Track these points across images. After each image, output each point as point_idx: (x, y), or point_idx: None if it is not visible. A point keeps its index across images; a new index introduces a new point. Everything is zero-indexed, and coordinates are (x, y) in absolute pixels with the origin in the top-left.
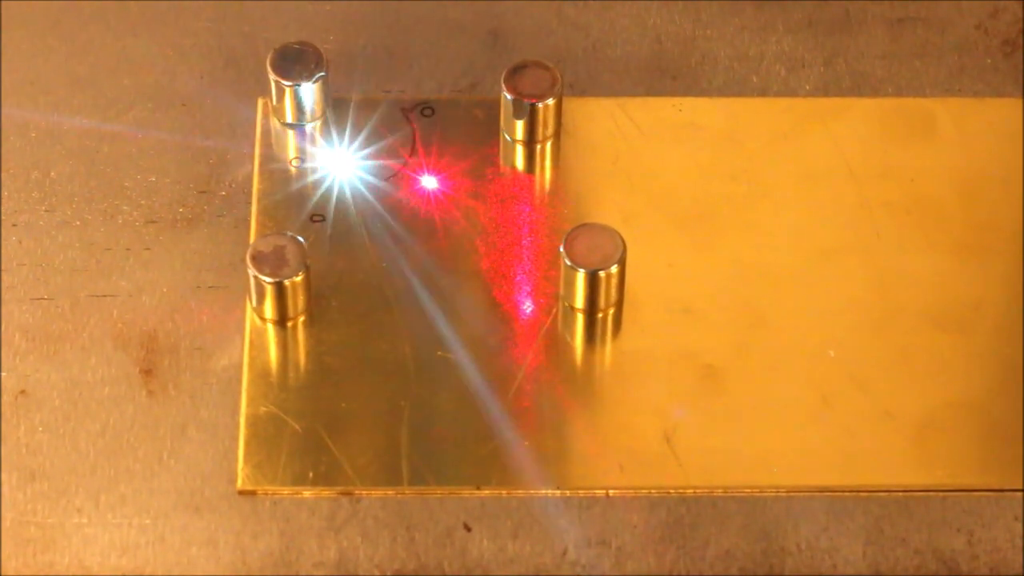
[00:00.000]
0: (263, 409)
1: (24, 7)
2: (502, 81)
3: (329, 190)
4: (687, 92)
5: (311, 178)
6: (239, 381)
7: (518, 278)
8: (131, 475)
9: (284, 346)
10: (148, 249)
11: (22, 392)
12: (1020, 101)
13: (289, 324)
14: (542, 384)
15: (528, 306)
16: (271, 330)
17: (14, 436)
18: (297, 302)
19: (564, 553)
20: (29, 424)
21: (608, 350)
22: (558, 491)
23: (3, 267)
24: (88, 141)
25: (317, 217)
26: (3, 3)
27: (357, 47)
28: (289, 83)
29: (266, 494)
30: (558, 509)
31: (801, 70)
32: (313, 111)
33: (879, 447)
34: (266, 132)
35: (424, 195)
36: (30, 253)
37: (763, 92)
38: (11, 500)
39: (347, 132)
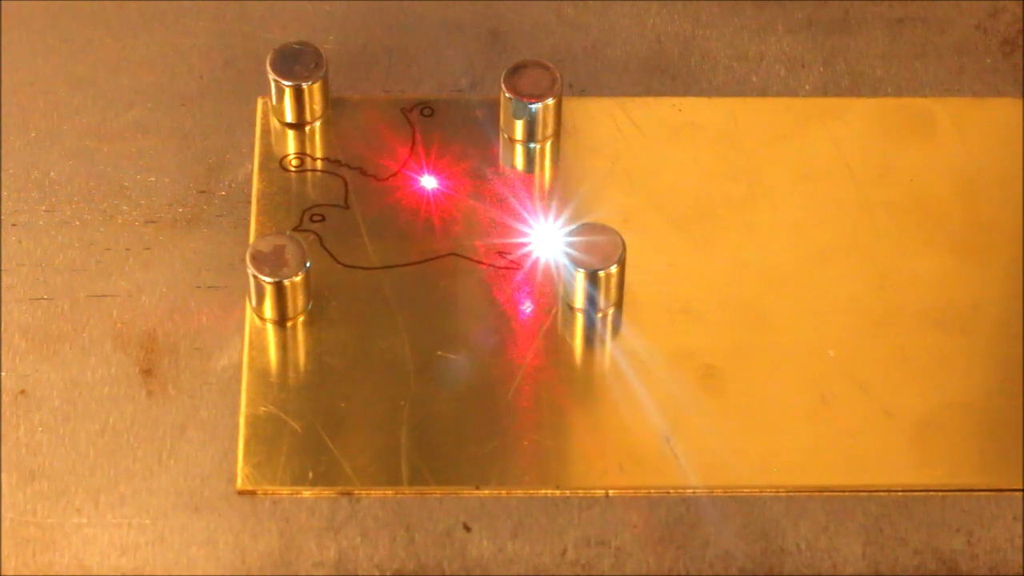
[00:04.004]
0: (263, 409)
1: (24, 7)
2: (502, 81)
3: (328, 190)
4: (687, 92)
5: (310, 178)
6: (239, 381)
7: (518, 278)
8: (130, 475)
9: (284, 346)
10: (148, 249)
11: (22, 392)
12: (1020, 101)
13: (288, 324)
14: (542, 384)
15: (528, 306)
16: (271, 330)
17: (14, 436)
18: (296, 302)
19: (564, 553)
20: (29, 424)
21: (608, 350)
22: (558, 491)
23: (3, 267)
24: (88, 141)
25: (316, 216)
26: (3, 3)
27: (357, 47)
28: (289, 83)
29: (265, 494)
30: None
31: (801, 70)
32: (313, 111)
33: (879, 447)
34: (266, 132)
35: (424, 195)
36: (30, 253)
37: (763, 92)
38: (11, 500)
39: (347, 132)
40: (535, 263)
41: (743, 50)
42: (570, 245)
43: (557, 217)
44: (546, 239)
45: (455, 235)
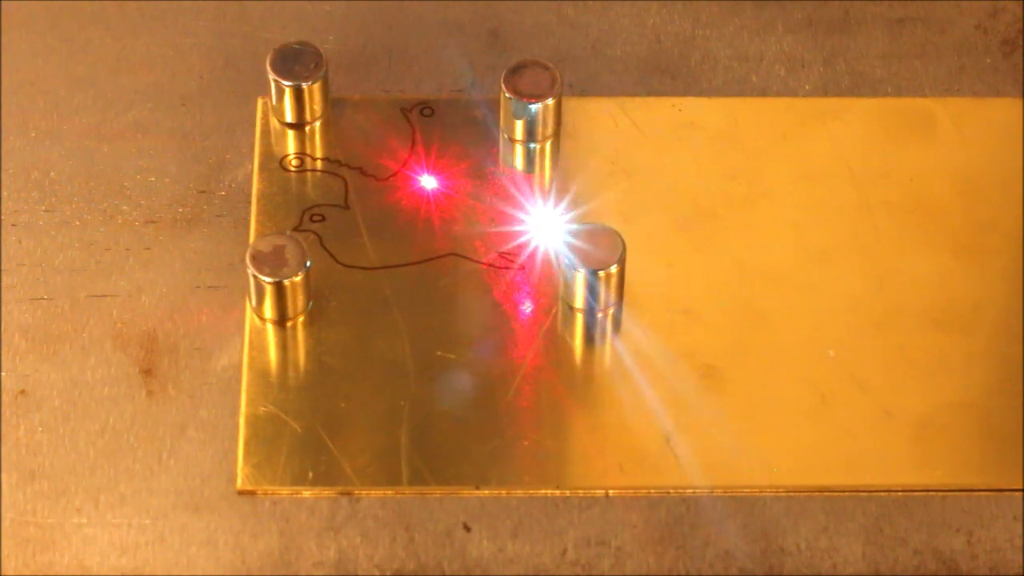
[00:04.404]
0: (262, 409)
1: (24, 7)
2: (502, 81)
3: (328, 190)
4: (687, 92)
5: (310, 178)
6: (239, 381)
7: (518, 278)
8: (130, 475)
9: (283, 346)
10: (148, 249)
11: (22, 392)
12: (1020, 101)
13: (288, 324)
14: (542, 384)
15: (528, 306)
16: (270, 330)
17: (14, 436)
18: (296, 302)
19: (564, 553)
20: (29, 424)
21: (608, 350)
22: (558, 491)
23: (3, 267)
24: (88, 141)
25: (316, 216)
26: (3, 3)
27: (357, 47)
28: (289, 83)
29: (265, 494)
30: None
31: (801, 70)
32: (313, 111)
33: (879, 447)
34: (266, 132)
35: (424, 195)
36: (30, 253)
37: (763, 92)
38: (11, 500)
39: (347, 132)
40: (535, 263)
41: (743, 50)
42: (570, 245)
43: (557, 217)
44: (546, 239)
45: (455, 235)
